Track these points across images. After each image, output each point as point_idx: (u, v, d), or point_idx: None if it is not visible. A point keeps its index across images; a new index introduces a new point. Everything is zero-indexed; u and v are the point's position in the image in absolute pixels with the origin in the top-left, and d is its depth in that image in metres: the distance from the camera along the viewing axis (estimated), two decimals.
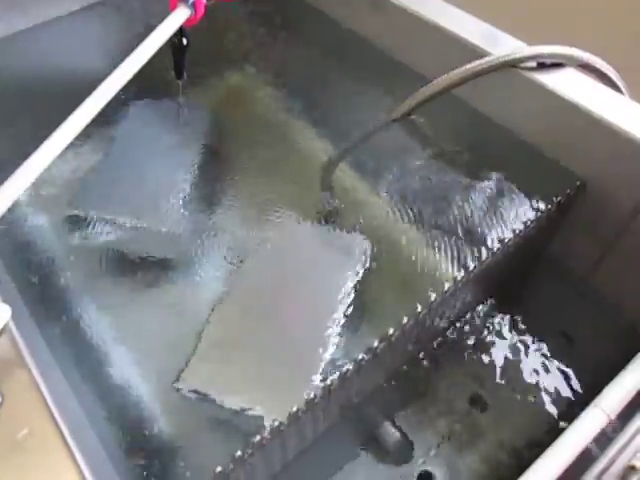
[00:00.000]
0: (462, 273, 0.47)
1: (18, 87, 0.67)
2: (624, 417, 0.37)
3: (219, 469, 0.38)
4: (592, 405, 0.37)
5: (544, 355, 0.61)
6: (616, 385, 0.37)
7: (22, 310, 0.44)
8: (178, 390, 0.42)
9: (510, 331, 0.63)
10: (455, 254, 0.49)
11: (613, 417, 0.36)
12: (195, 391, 0.42)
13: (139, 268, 0.51)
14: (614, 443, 0.35)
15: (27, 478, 0.32)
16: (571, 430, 0.36)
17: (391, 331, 0.43)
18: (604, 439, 0.36)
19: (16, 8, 0.73)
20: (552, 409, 0.58)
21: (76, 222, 0.53)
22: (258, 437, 0.39)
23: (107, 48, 0.70)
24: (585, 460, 0.36)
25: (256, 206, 0.55)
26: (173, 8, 0.53)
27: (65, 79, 0.66)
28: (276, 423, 0.39)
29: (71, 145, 0.59)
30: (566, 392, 0.59)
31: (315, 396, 0.41)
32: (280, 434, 0.40)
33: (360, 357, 0.42)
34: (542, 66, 0.56)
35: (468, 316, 0.63)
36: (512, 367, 0.60)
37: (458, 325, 0.62)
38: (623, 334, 0.59)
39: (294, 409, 0.40)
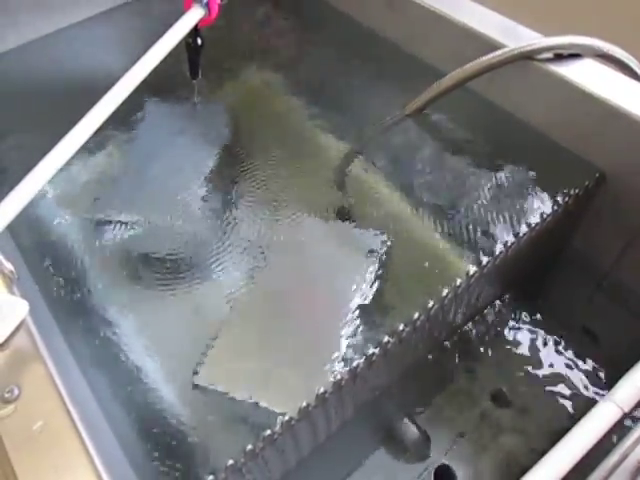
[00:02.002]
0: (475, 268, 0.46)
1: (44, 89, 0.68)
2: (638, 411, 0.36)
3: (230, 462, 0.38)
4: (605, 398, 0.36)
5: (566, 350, 0.60)
6: (630, 378, 0.37)
7: (41, 306, 0.45)
8: (194, 384, 0.42)
9: (531, 326, 0.62)
10: (468, 249, 0.48)
11: (627, 411, 0.35)
12: (210, 386, 0.42)
13: (158, 265, 0.52)
14: (628, 437, 0.34)
15: (41, 469, 0.33)
16: (583, 423, 0.35)
17: (401, 327, 0.43)
18: (617, 433, 0.36)
19: (41, 13, 0.75)
20: (575, 405, 0.57)
21: (97, 222, 0.54)
22: (269, 431, 0.39)
23: (128, 50, 0.71)
24: (597, 454, 0.35)
25: (273, 203, 0.56)
26: (187, 8, 0.54)
27: (88, 81, 0.67)
28: (286, 418, 0.39)
29: (91, 147, 0.61)
30: (589, 388, 0.58)
31: (325, 391, 0.41)
32: (291, 428, 0.40)
33: (370, 352, 0.42)
34: (559, 57, 0.55)
35: (488, 311, 0.62)
36: (533, 362, 0.60)
37: (478, 320, 0.61)
38: None
39: (304, 404, 0.40)
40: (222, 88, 0.68)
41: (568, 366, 0.59)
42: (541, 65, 0.54)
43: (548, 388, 0.58)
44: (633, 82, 0.53)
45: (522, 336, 0.61)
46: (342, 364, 0.42)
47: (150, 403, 0.42)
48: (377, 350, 0.43)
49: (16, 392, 0.36)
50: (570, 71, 0.54)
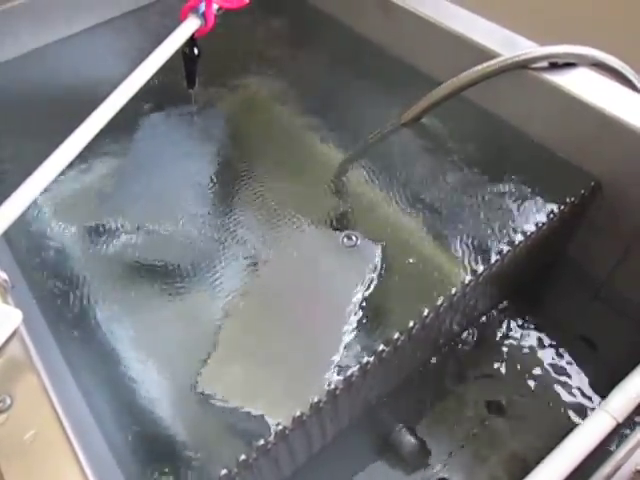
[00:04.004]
0: (470, 277, 0.46)
1: (43, 98, 0.69)
2: (632, 420, 0.36)
3: (224, 472, 0.38)
4: (599, 408, 0.36)
5: (564, 359, 0.60)
6: (624, 388, 0.36)
7: (36, 315, 0.45)
8: (190, 394, 0.42)
9: (528, 335, 0.61)
10: (464, 257, 0.48)
11: (620, 420, 0.35)
12: (206, 395, 0.42)
13: (154, 274, 0.52)
14: (621, 447, 0.34)
15: (31, 478, 0.32)
16: (577, 433, 0.35)
17: (396, 335, 0.43)
18: (611, 443, 0.35)
19: (42, 23, 0.75)
20: (572, 415, 0.56)
21: (94, 230, 0.55)
22: (262, 441, 0.39)
23: (128, 60, 0.71)
24: (591, 464, 0.35)
25: (270, 212, 0.56)
26: (184, 18, 0.54)
27: (88, 90, 0.67)
28: (280, 427, 0.39)
29: (88, 156, 0.61)
30: (587, 397, 0.57)
31: (320, 400, 0.41)
32: (285, 438, 0.40)
33: (365, 361, 0.42)
34: (554, 66, 0.55)
35: (484, 320, 0.62)
36: (531, 372, 0.59)
37: (474, 329, 0.61)
38: None
39: (298, 413, 0.40)
40: (219, 97, 0.68)
41: (566, 375, 0.59)
42: (536, 74, 0.55)
43: (546, 397, 0.58)
44: (628, 91, 0.53)
45: (519, 345, 0.61)
46: (337, 373, 0.42)
47: (144, 413, 0.42)
48: (372, 359, 0.42)
49: (8, 401, 0.35)
50: (565, 80, 0.54)
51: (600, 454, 0.36)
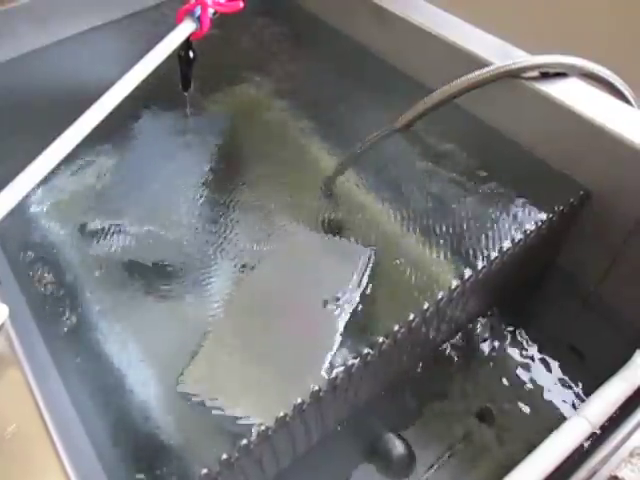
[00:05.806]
0: (457, 282, 0.46)
1: (41, 99, 0.69)
2: (609, 427, 0.36)
3: (205, 471, 0.38)
4: (576, 414, 0.36)
5: (552, 368, 0.60)
6: (601, 395, 0.36)
7: (24, 311, 0.45)
8: (174, 393, 0.42)
9: (517, 343, 0.62)
10: (452, 263, 0.49)
11: (597, 426, 0.35)
12: (190, 394, 0.42)
13: (146, 273, 0.52)
14: (597, 453, 0.34)
15: (10, 473, 0.32)
16: (553, 439, 0.35)
17: (381, 339, 0.43)
18: (587, 448, 0.35)
19: (41, 24, 0.76)
20: (561, 423, 0.56)
21: (86, 228, 0.55)
22: (245, 441, 0.39)
23: (126, 62, 0.72)
24: (567, 469, 0.35)
25: (262, 215, 0.56)
26: (179, 21, 0.55)
27: (85, 91, 0.68)
28: (263, 427, 0.39)
29: (84, 154, 0.61)
30: (574, 406, 0.57)
31: (303, 401, 0.41)
32: (268, 439, 0.40)
33: (350, 363, 0.42)
34: (545, 76, 0.55)
35: (473, 326, 0.62)
36: (519, 380, 0.59)
37: (463, 335, 0.61)
38: (634, 347, 0.58)
39: (281, 414, 0.40)
40: (214, 100, 0.68)
41: (554, 384, 0.59)
42: (527, 83, 0.55)
43: (534, 406, 0.58)
44: (618, 102, 0.54)
45: (508, 353, 0.61)
46: (322, 375, 0.42)
47: (127, 411, 0.42)
48: (357, 361, 0.43)
49: None
50: (556, 90, 0.54)
51: (576, 459, 0.36)
